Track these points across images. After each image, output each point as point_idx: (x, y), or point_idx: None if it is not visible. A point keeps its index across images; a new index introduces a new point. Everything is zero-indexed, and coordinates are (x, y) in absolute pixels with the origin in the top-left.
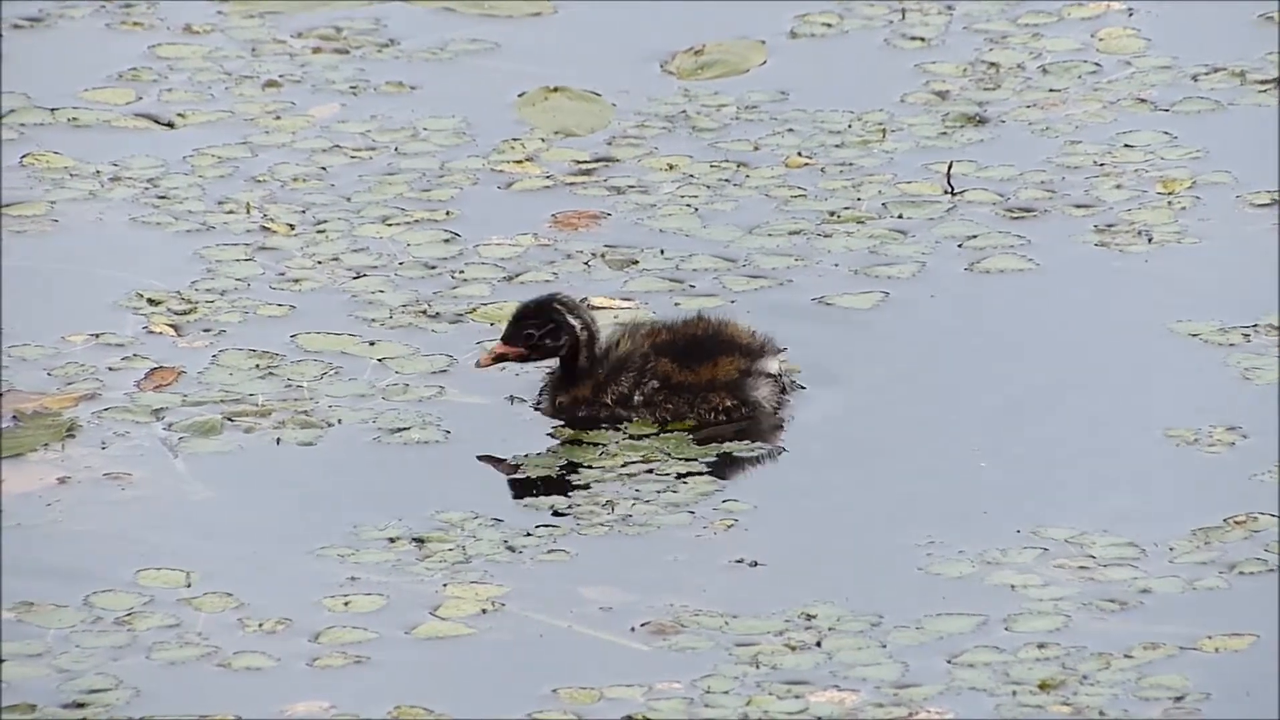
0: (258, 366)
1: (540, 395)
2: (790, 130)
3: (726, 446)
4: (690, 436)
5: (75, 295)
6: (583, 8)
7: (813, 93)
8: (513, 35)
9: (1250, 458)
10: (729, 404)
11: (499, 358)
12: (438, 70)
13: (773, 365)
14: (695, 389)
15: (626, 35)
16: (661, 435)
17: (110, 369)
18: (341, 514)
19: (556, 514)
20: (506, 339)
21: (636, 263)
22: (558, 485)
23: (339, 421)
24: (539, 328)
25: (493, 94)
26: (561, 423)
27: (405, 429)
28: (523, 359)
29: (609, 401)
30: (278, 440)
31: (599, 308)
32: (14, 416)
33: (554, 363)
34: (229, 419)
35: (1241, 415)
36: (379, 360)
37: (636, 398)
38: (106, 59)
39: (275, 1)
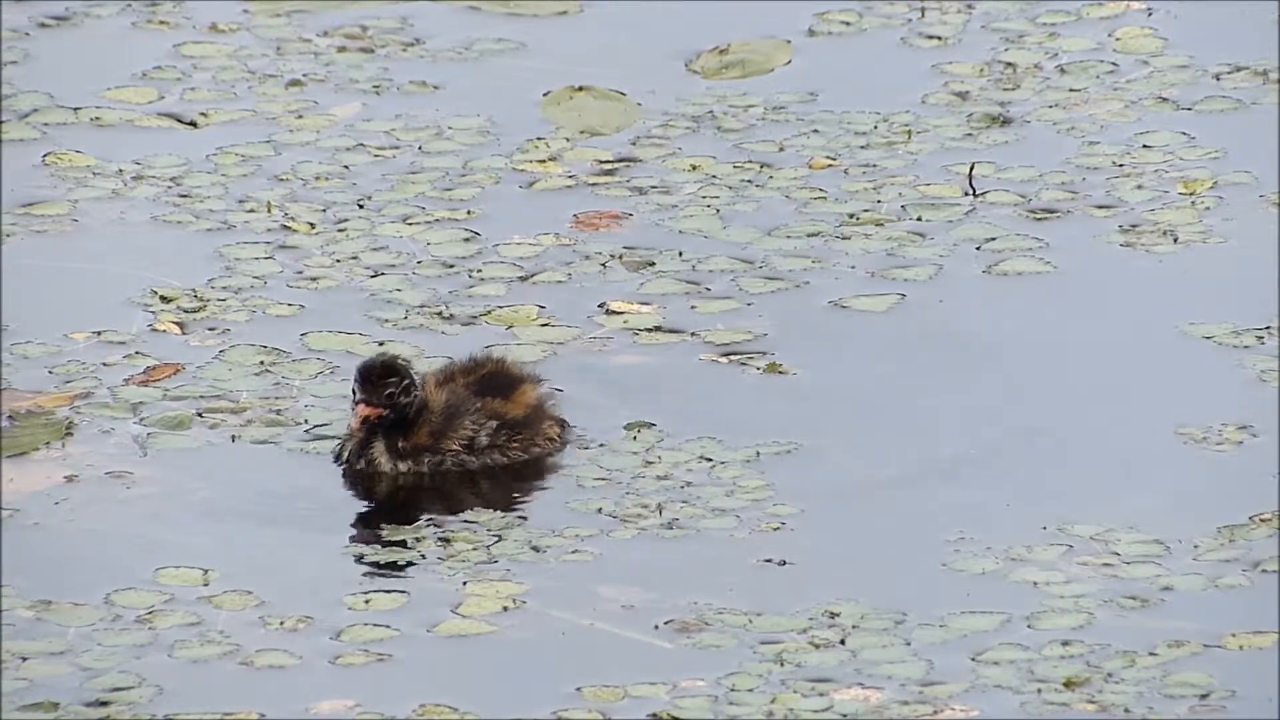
0: (261, 364)
1: (349, 453)
2: (816, 131)
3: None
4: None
5: (88, 293)
6: (608, 7)
7: (835, 92)
8: (538, 34)
9: (1267, 457)
10: (557, 430)
11: (365, 420)
12: (462, 69)
13: (544, 390)
14: (524, 421)
15: (652, 34)
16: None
17: (105, 364)
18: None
19: (606, 515)
20: (369, 401)
21: (653, 264)
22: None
23: (306, 421)
24: (396, 385)
25: (517, 93)
26: (406, 469)
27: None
28: (380, 419)
29: (456, 448)
30: (233, 438)
31: (617, 311)
32: (9, 416)
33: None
34: (199, 414)
35: (1257, 416)
36: None
37: (483, 439)
38: (131, 58)
39: (301, 0)
